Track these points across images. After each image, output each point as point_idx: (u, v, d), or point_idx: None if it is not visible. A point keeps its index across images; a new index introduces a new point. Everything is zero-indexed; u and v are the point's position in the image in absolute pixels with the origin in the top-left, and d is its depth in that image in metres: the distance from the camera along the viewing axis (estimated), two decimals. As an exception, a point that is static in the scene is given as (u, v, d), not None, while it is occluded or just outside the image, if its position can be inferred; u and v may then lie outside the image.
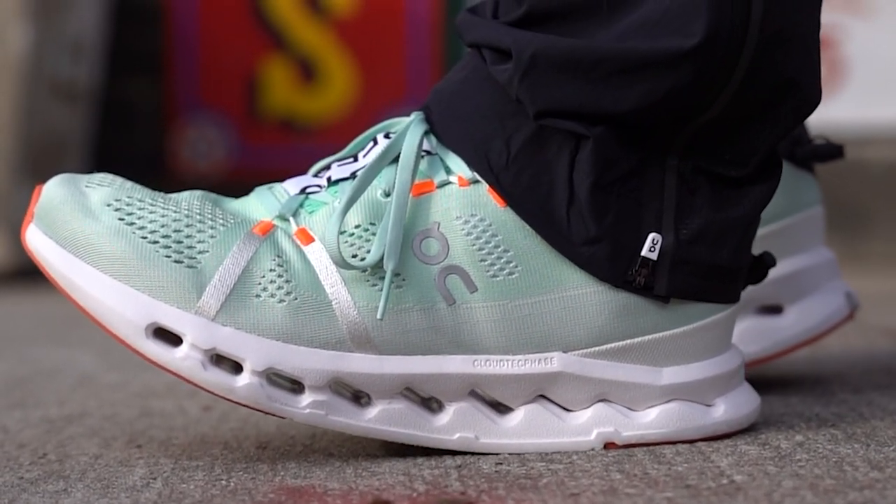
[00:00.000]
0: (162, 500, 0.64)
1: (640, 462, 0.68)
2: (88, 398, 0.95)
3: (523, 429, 0.71)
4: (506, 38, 0.71)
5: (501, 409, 0.71)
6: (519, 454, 0.71)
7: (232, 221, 0.70)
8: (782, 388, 0.88)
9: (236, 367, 0.69)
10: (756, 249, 0.84)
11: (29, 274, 2.13)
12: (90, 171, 2.55)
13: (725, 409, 0.72)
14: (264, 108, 2.62)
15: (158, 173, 2.58)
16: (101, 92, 2.50)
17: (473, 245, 0.70)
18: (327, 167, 0.74)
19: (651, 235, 0.70)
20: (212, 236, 0.69)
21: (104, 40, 2.49)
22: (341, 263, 0.68)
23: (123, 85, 2.58)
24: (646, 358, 0.71)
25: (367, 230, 0.70)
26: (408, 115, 0.73)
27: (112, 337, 0.69)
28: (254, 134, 2.62)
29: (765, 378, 0.90)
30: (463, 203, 0.71)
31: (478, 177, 0.71)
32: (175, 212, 0.70)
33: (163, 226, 0.69)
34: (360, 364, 0.69)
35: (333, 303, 0.69)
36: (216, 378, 0.68)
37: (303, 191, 0.72)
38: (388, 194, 0.70)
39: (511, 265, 0.70)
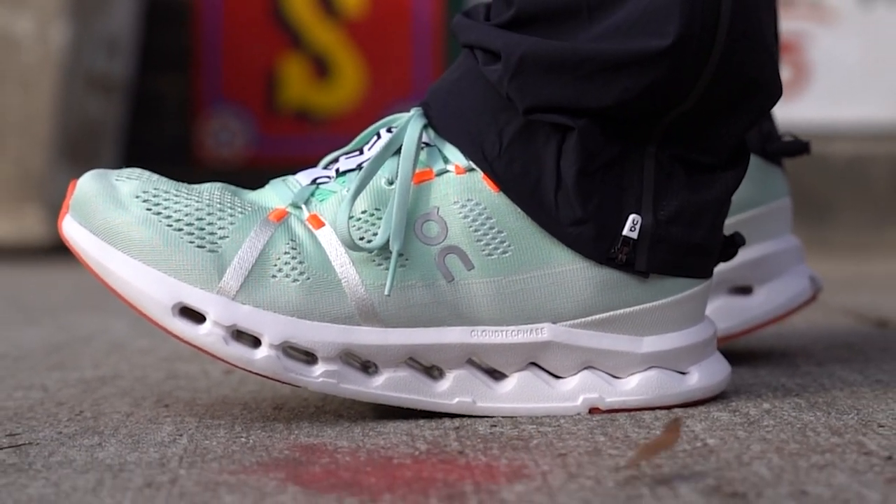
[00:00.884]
0: (187, 454, 0.64)
1: (621, 426, 0.68)
2: (120, 362, 0.95)
3: (516, 394, 0.71)
4: (496, 40, 0.71)
5: (496, 375, 0.71)
6: (512, 417, 0.71)
7: (249, 209, 0.70)
8: (752, 361, 0.88)
9: (255, 342, 0.69)
10: (728, 233, 0.84)
11: (66, 249, 2.13)
12: (122, 157, 2.54)
13: (700, 377, 0.72)
14: (282, 102, 2.61)
15: (184, 160, 2.58)
16: (134, 85, 2.50)
17: (470, 227, 0.70)
18: (336, 160, 0.74)
19: (632, 216, 0.70)
20: (231, 223, 0.70)
21: (137, 38, 2.48)
22: (351, 245, 0.68)
23: (154, 79, 2.57)
24: (627, 328, 0.71)
25: (372, 215, 0.70)
26: (409, 111, 0.73)
27: (141, 316, 0.69)
28: (272, 125, 2.62)
29: (736, 351, 0.90)
30: (460, 189, 0.71)
31: (473, 165, 0.71)
32: (197, 201, 0.70)
33: (186, 214, 0.69)
34: (367, 336, 0.69)
35: (343, 281, 0.69)
36: (237, 351, 0.68)
37: (314, 181, 0.72)
38: (391, 182, 0.70)
39: (504, 245, 0.70)
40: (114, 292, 0.70)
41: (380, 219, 0.70)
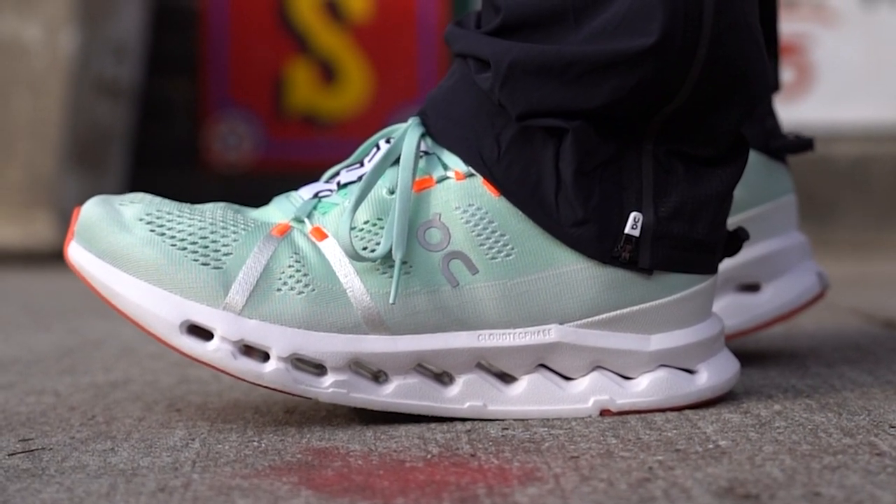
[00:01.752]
0: (200, 458, 0.63)
1: (633, 428, 0.68)
2: (131, 366, 0.95)
3: (527, 397, 0.71)
4: (485, 49, 0.71)
5: (507, 378, 0.71)
6: (523, 420, 0.70)
7: (252, 226, 0.70)
8: (761, 363, 0.88)
9: (264, 356, 0.69)
10: (732, 229, 0.84)
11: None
12: (131, 162, 2.54)
13: (709, 376, 0.72)
14: (289, 106, 2.61)
15: (192, 164, 2.58)
16: (142, 90, 2.50)
17: (472, 231, 0.70)
18: (337, 173, 0.74)
19: (633, 214, 0.70)
20: (234, 240, 0.69)
21: (145, 43, 2.48)
22: (354, 256, 0.68)
23: (162, 84, 2.57)
24: (635, 326, 0.71)
25: (375, 225, 0.70)
26: (408, 120, 0.73)
27: (150, 335, 0.69)
28: (279, 129, 2.62)
29: (745, 353, 0.90)
30: (461, 195, 0.70)
31: (473, 171, 0.71)
32: (200, 220, 0.70)
33: (190, 234, 0.69)
34: (375, 345, 0.69)
35: (348, 291, 0.69)
36: (245, 366, 0.68)
37: (316, 195, 0.72)
38: (392, 192, 0.70)
39: (508, 247, 0.70)
40: (121, 314, 0.70)
41: (382, 228, 0.70)
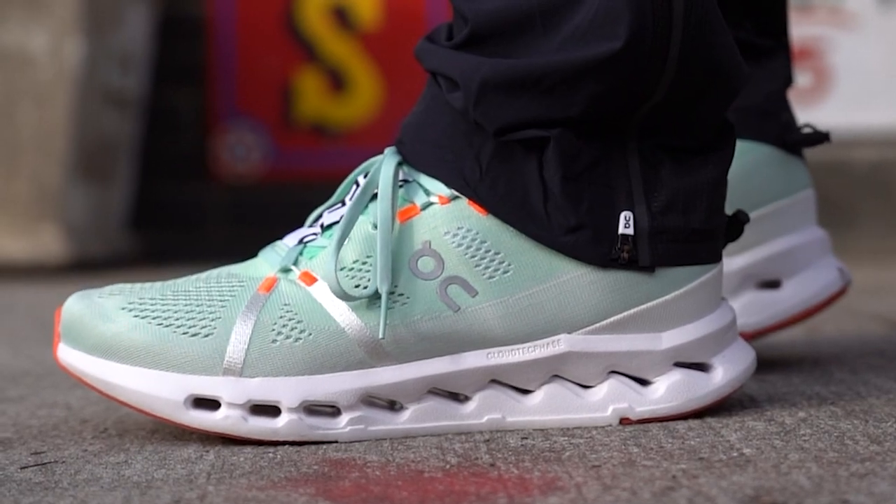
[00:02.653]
0: (215, 471, 0.63)
1: (655, 436, 0.67)
2: (143, 379, 0.95)
3: (545, 406, 0.71)
4: (454, 68, 0.71)
5: (523, 390, 0.71)
6: (542, 430, 0.70)
7: (238, 286, 0.71)
8: (784, 369, 0.87)
9: (276, 410, 0.69)
10: (753, 231, 0.84)
11: (83, 266, 2.13)
12: (137, 173, 2.54)
13: (724, 371, 0.72)
14: (297, 115, 2.61)
15: (200, 175, 2.58)
16: (148, 100, 2.50)
17: (465, 254, 0.70)
18: (320, 216, 0.74)
19: (624, 213, 0.70)
20: (222, 305, 0.70)
21: (151, 53, 2.48)
22: (343, 296, 0.68)
23: (168, 93, 2.58)
24: (644, 326, 0.71)
25: (364, 263, 0.70)
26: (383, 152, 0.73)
27: (157, 419, 0.70)
28: (288, 138, 2.62)
29: (768, 359, 0.89)
30: (448, 219, 0.70)
31: (456, 193, 0.70)
32: (185, 297, 0.70)
33: (175, 311, 0.70)
34: (383, 376, 0.69)
35: (346, 329, 0.69)
36: (258, 426, 0.68)
37: (301, 241, 0.72)
38: (377, 226, 0.70)
39: (504, 264, 0.70)
40: (124, 404, 0.70)
41: (373, 265, 0.69)
